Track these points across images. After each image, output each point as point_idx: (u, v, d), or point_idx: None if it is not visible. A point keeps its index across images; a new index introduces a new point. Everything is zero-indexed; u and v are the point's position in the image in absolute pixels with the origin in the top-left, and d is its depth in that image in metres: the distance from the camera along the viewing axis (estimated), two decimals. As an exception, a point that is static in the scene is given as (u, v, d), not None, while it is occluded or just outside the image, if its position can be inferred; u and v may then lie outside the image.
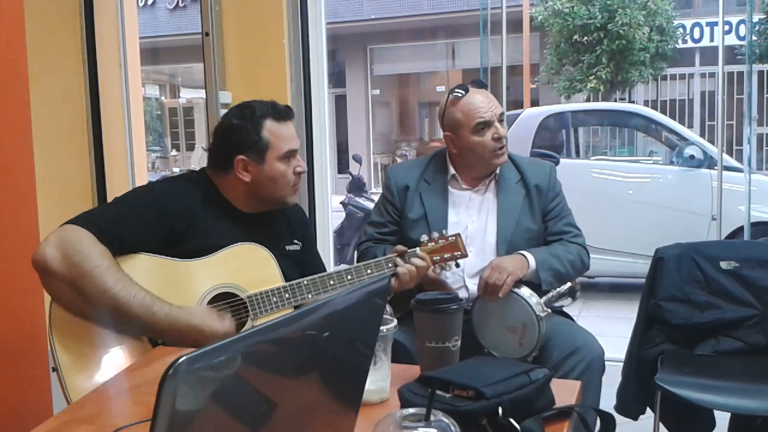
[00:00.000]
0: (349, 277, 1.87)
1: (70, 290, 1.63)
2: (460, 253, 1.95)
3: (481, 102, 2.09)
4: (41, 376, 2.18)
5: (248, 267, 1.81)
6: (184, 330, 1.66)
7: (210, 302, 1.76)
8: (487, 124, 2.07)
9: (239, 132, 1.83)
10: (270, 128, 1.83)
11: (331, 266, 2.79)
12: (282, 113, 1.86)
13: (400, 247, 1.95)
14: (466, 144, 2.10)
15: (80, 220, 1.69)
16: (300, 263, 1.96)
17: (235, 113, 1.87)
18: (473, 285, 2.05)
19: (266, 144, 1.82)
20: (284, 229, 1.97)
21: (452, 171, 2.18)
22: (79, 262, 1.62)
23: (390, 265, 1.91)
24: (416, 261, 1.91)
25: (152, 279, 1.69)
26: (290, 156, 1.85)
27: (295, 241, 1.98)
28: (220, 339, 1.70)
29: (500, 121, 2.10)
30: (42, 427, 1.22)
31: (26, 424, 1.22)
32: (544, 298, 1.94)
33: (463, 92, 2.11)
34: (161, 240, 1.74)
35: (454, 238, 1.96)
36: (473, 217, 2.15)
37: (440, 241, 1.95)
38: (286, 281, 1.83)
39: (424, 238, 1.95)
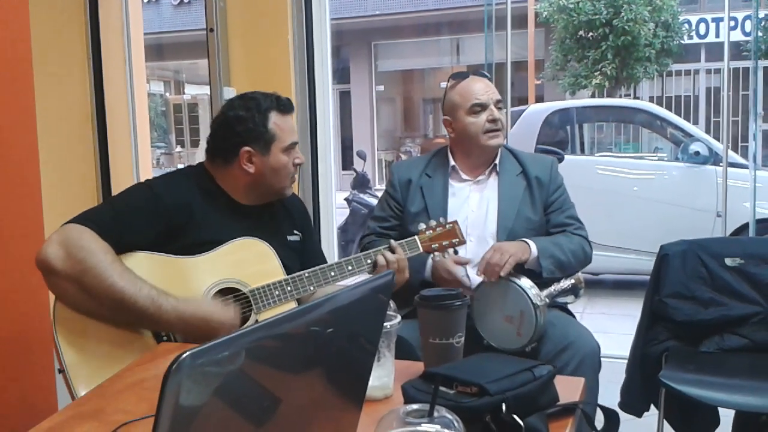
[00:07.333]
0: (350, 267, 1.88)
1: (75, 288, 1.63)
2: (458, 239, 1.98)
3: (480, 87, 2.15)
4: (46, 375, 2.19)
5: (249, 261, 1.81)
6: (191, 321, 1.66)
7: (213, 298, 1.76)
8: (482, 107, 2.12)
9: (245, 123, 1.83)
10: (275, 120, 1.85)
11: (335, 262, 2.78)
12: (286, 106, 1.89)
13: (393, 243, 1.95)
14: (462, 125, 2.15)
15: (79, 219, 1.69)
16: (300, 254, 1.97)
17: (240, 104, 1.87)
18: (475, 274, 2.05)
19: (272, 136, 1.84)
20: (284, 220, 1.98)
21: (452, 163, 2.21)
22: (82, 259, 1.61)
23: None
24: (387, 255, 1.91)
25: (155, 277, 1.68)
26: (291, 148, 1.88)
27: (295, 231, 1.99)
28: (227, 329, 1.69)
29: (498, 107, 2.14)
30: (47, 422, 1.22)
31: (31, 424, 1.22)
32: (546, 291, 1.94)
33: (463, 78, 2.18)
34: (161, 235, 1.74)
35: (451, 225, 1.99)
36: (473, 208, 2.16)
37: (438, 229, 1.97)
38: (288, 272, 1.83)
39: (422, 226, 1.98)
